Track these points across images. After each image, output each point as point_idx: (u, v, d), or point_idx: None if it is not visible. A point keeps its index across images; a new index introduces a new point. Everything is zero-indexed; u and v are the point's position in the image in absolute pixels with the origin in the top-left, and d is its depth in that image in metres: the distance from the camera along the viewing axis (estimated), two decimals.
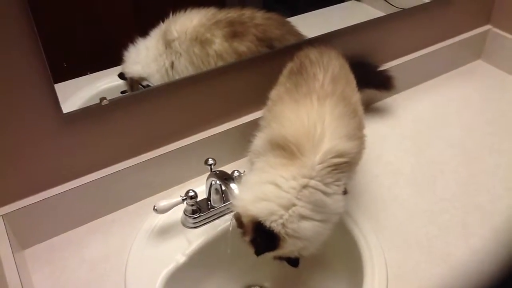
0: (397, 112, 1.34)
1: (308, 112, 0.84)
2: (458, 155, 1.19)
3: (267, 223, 0.78)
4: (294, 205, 0.78)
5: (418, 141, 1.24)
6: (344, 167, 0.82)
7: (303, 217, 0.78)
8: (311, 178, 0.79)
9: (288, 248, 0.80)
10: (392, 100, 1.38)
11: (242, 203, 0.82)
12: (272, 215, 0.78)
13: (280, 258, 0.84)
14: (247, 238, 0.81)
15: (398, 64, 1.34)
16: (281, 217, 0.77)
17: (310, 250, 0.82)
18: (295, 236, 0.78)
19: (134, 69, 0.97)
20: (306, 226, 0.78)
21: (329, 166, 0.80)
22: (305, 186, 0.78)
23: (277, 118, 0.88)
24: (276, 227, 0.77)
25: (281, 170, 0.81)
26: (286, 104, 0.89)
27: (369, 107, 1.34)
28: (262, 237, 0.79)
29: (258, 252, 0.80)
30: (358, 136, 0.88)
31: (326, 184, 0.80)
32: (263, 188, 0.80)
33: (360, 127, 0.91)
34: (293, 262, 0.84)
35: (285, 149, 0.82)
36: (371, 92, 1.25)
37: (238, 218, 0.81)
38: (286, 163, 0.81)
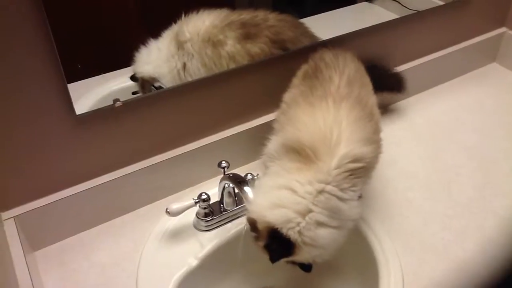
0: (411, 115, 1.33)
1: (324, 116, 0.83)
2: (473, 159, 1.18)
3: (284, 231, 0.76)
4: (310, 211, 0.76)
5: (432, 145, 1.23)
6: (361, 172, 0.81)
7: (319, 224, 0.77)
8: (327, 183, 0.77)
9: (303, 255, 0.78)
10: (405, 103, 1.37)
11: (258, 208, 0.80)
12: (289, 223, 0.76)
13: (293, 262, 0.82)
14: (261, 243, 0.80)
15: (412, 67, 1.32)
16: (298, 224, 0.76)
17: (324, 258, 0.80)
18: (311, 244, 0.77)
19: (145, 69, 0.97)
20: (323, 234, 0.77)
21: (345, 171, 0.79)
22: (321, 192, 0.77)
23: (292, 121, 0.87)
24: (293, 235, 0.76)
25: (297, 174, 0.79)
26: (301, 107, 0.88)
27: (383, 110, 1.32)
28: (278, 244, 0.78)
29: (273, 259, 0.79)
30: (374, 140, 0.87)
31: (342, 190, 0.78)
32: (278, 194, 0.79)
33: (376, 131, 0.90)
34: (306, 267, 0.83)
35: (300, 153, 0.81)
36: (384, 95, 1.24)
37: (252, 223, 0.80)
38: (301, 168, 0.80)
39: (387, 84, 1.23)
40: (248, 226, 0.82)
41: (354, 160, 0.79)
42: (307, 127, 0.83)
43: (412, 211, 1.04)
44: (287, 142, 0.84)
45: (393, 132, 1.26)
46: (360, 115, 0.85)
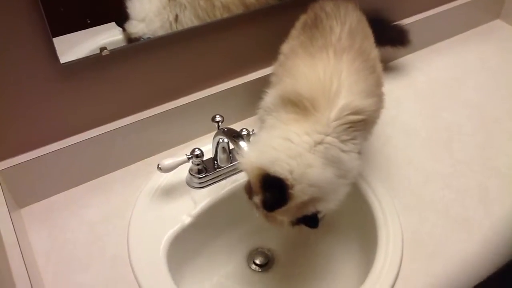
0: (412, 72, 1.29)
1: (324, 67, 0.79)
2: (474, 118, 1.14)
3: (271, 170, 0.72)
4: (303, 155, 0.72)
5: (433, 102, 1.19)
6: (361, 125, 0.78)
7: (313, 166, 0.72)
8: (327, 135, 0.74)
9: (300, 197, 0.72)
10: (406, 60, 1.32)
11: (249, 160, 0.76)
12: (278, 162, 0.72)
13: (298, 221, 0.77)
14: (257, 199, 0.76)
15: (413, 22, 1.27)
16: (288, 164, 0.72)
17: (327, 205, 0.75)
18: (305, 182, 0.72)
19: (139, 28, 0.91)
20: (317, 172, 0.72)
21: (345, 123, 0.75)
22: (320, 142, 0.73)
23: (290, 72, 0.83)
24: (282, 172, 0.71)
25: (294, 125, 0.76)
26: (300, 58, 0.84)
27: (383, 67, 1.28)
28: (270, 189, 0.73)
29: (268, 207, 0.74)
30: (376, 93, 0.83)
31: (342, 141, 0.75)
32: (272, 142, 0.75)
33: (378, 84, 0.86)
34: (312, 221, 0.77)
35: (298, 105, 0.77)
36: (385, 50, 1.19)
37: (247, 187, 0.77)
38: (299, 119, 0.76)
39: (390, 37, 1.18)
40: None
41: (354, 112, 0.76)
42: (305, 78, 0.79)
43: (412, 169, 1.01)
44: (284, 93, 0.80)
45: (393, 89, 1.22)
46: (361, 66, 0.81)
